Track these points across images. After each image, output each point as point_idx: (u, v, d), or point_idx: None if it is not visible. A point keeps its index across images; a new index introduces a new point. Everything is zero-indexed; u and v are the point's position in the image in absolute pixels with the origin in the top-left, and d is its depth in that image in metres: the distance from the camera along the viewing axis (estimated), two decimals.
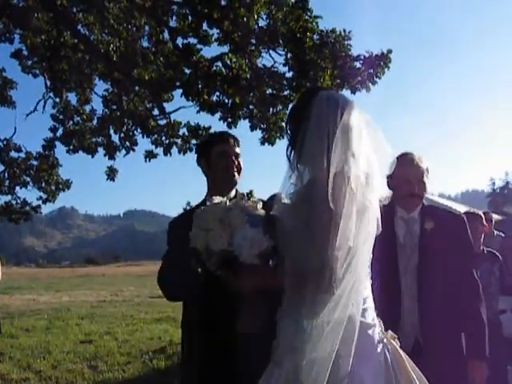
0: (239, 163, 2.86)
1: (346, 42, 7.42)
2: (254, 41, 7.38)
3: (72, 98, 11.22)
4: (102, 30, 9.45)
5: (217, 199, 2.16)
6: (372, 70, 7.44)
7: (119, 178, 11.01)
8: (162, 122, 9.97)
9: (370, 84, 7.54)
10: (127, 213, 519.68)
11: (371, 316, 2.10)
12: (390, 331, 2.17)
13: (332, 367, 1.89)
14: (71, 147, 11.21)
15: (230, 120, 8.22)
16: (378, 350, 2.04)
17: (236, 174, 2.83)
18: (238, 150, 2.89)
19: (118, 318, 13.39)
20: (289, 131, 2.24)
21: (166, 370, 7.29)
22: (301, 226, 1.98)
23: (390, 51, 7.53)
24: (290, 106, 2.21)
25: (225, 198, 2.17)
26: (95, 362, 7.83)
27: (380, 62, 7.38)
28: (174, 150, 9.92)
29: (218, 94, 8.24)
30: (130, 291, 23.47)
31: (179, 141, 9.86)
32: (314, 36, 7.10)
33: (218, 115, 8.30)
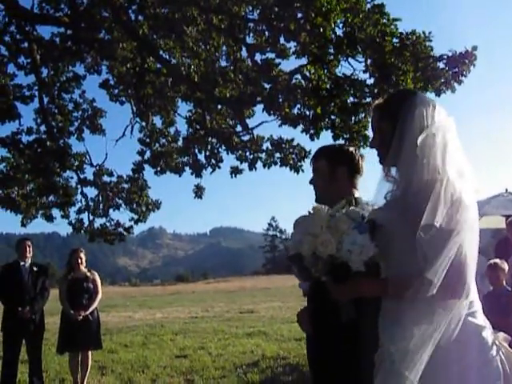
0: (313, 179, 2.79)
1: (427, 43, 7.20)
2: (332, 50, 7.34)
3: (157, 121, 11.70)
4: (182, 53, 9.79)
5: (319, 206, 2.15)
6: (457, 70, 7.16)
7: (205, 195, 11.28)
8: (246, 138, 10.16)
9: (456, 84, 7.27)
10: (213, 230, 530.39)
11: (481, 318, 2.02)
12: (501, 333, 2.08)
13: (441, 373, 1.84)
14: (159, 169, 11.66)
15: (312, 132, 8.20)
16: (494, 352, 1.96)
17: (316, 190, 2.77)
18: (314, 165, 2.82)
19: (210, 333, 13.61)
20: (379, 131, 2.21)
21: None
22: (403, 230, 1.95)
23: (475, 48, 7.21)
24: (379, 103, 2.13)
25: (325, 206, 2.15)
26: (191, 375, 7.99)
27: (465, 60, 7.09)
28: (259, 164, 10.06)
29: (298, 106, 8.27)
30: (219, 307, 23.82)
31: (263, 155, 9.97)
32: (394, 39, 6.96)
33: (300, 127, 8.32)
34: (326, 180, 2.67)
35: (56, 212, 12.33)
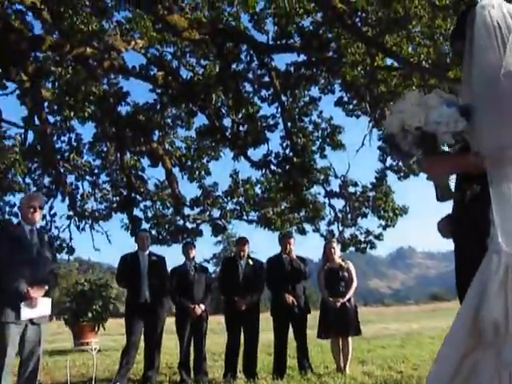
0: None
1: None
2: None
3: None
4: (409, 46, 9.81)
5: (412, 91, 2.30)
6: None
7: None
8: None
9: None
10: None
11: None
12: None
13: None
14: (401, 174, 11.73)
15: None
16: None
17: None
18: None
19: None
20: (456, 53, 2.28)
21: None
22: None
23: None
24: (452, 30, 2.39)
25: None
26: None
27: None
28: None
29: None
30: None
31: None
32: None
33: None
34: None
35: (307, 226, 13.21)
